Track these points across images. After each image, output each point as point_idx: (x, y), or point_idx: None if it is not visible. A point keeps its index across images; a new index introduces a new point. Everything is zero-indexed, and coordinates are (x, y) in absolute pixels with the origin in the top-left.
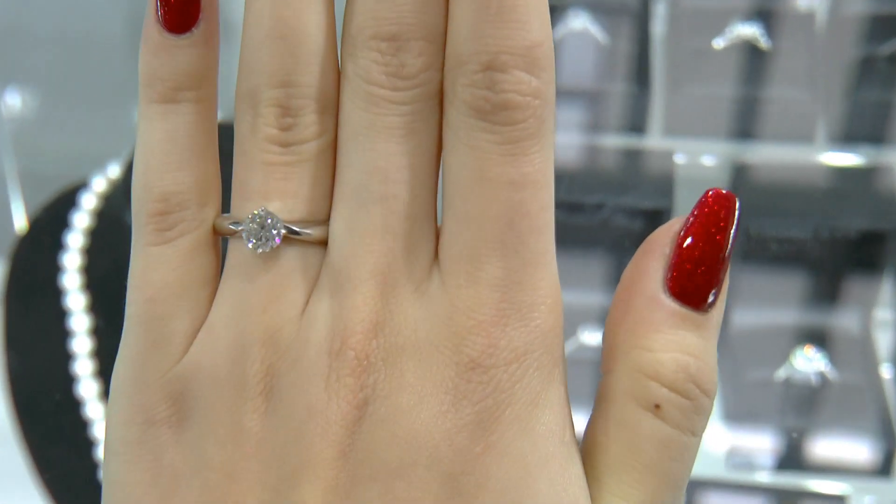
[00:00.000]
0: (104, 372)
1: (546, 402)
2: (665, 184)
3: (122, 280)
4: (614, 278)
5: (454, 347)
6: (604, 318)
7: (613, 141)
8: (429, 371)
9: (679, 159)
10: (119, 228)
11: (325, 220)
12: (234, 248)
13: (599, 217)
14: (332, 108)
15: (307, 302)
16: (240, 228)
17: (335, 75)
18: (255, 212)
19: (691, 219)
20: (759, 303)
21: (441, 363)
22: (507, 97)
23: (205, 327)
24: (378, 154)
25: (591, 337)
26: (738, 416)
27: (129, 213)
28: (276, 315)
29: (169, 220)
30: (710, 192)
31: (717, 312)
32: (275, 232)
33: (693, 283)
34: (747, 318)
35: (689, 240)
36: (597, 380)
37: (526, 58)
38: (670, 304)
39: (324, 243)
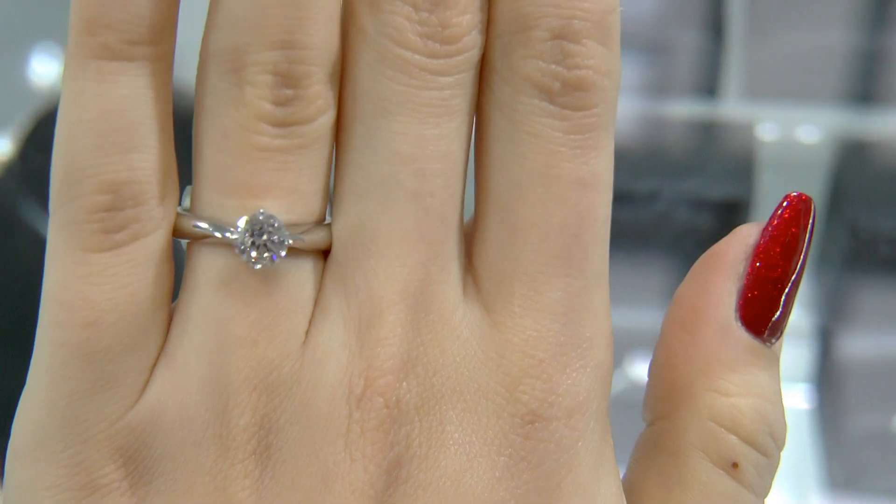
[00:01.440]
0: None
1: (605, 463)
2: (743, 165)
3: (12, 288)
4: (671, 291)
5: (507, 393)
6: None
7: (676, 108)
8: (476, 423)
9: (764, 132)
10: (11, 223)
11: (322, 221)
12: (203, 256)
13: (655, 209)
14: (337, 76)
15: (307, 330)
16: (233, 238)
17: (338, 31)
18: (252, 215)
19: (771, 229)
20: (870, 325)
21: (491, 413)
22: (581, 75)
23: (166, 362)
24: (411, 138)
25: (642, 370)
26: (842, 481)
27: (30, 201)
28: (270, 348)
29: (118, 219)
30: (794, 196)
31: (780, 343)
32: (277, 240)
33: (770, 311)
34: (855, 346)
35: (768, 256)
36: (636, 424)
37: (601, 25)
38: (744, 335)
39: (324, 251)
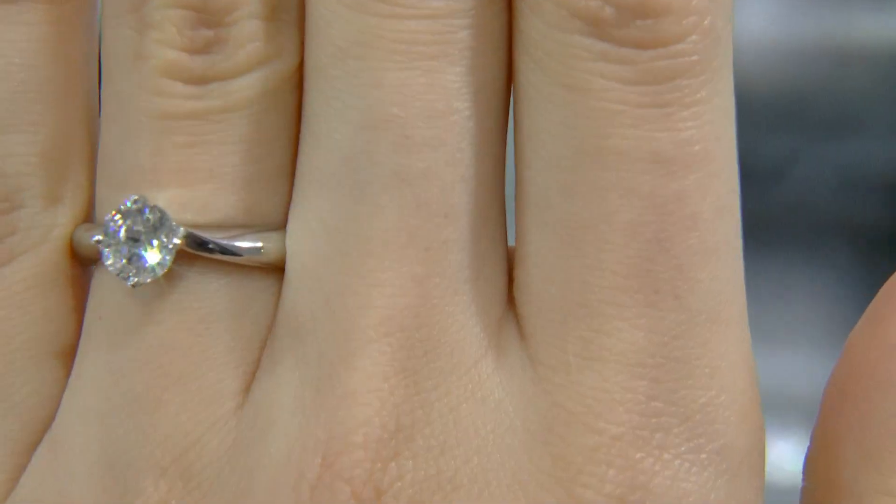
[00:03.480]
0: None
1: None
2: None
3: None
4: (834, 330)
5: (562, 489)
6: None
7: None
8: None
9: None
10: None
11: (278, 225)
12: (102, 282)
13: (797, 191)
14: (290, 10)
15: (247, 387)
16: (95, 240)
17: None
18: (123, 206)
19: None
20: None
21: None
22: None
23: (49, 439)
24: (387, 92)
25: (791, 455)
26: None
27: None
28: (186, 413)
29: None
30: None
31: None
32: (163, 245)
33: None
34: None
35: None
36: None
37: None
38: None
39: (278, 269)
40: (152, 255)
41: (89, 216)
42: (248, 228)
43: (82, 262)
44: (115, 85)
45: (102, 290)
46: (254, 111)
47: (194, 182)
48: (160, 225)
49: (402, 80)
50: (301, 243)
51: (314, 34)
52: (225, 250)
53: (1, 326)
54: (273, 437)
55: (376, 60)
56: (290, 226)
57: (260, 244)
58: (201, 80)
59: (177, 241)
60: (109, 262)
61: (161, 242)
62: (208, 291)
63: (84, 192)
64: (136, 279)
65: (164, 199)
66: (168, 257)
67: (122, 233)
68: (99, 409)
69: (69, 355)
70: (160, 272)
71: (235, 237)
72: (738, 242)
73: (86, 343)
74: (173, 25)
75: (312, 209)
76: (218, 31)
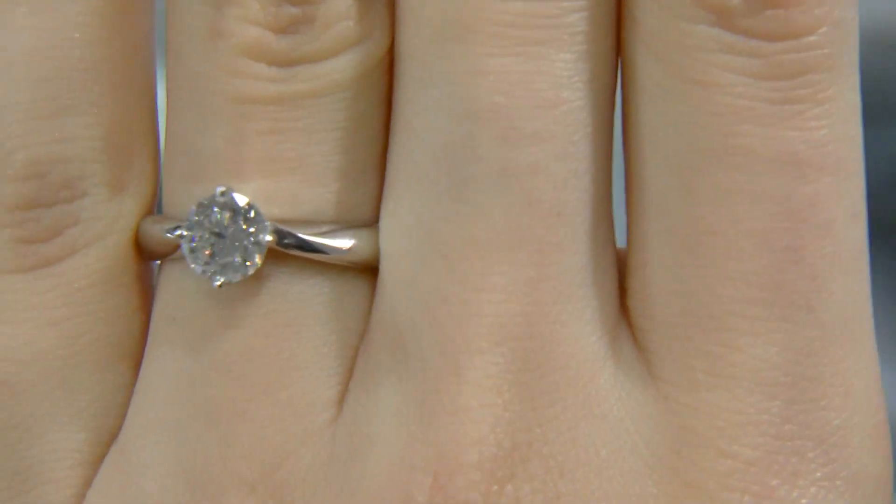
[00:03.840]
0: None
1: None
2: None
3: None
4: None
5: None
6: None
7: None
8: None
9: None
10: None
11: (367, 221)
12: (174, 280)
13: None
14: None
15: (341, 397)
16: (175, 234)
17: None
18: (206, 199)
19: None
20: None
21: None
22: None
23: (118, 448)
24: (491, 80)
25: None
26: None
27: None
28: (274, 427)
29: (44, 221)
30: None
31: None
32: (252, 242)
33: None
34: None
35: None
36: None
37: None
38: None
39: (370, 269)
40: (240, 254)
41: (153, 207)
42: (336, 224)
43: (148, 257)
44: (188, 66)
45: (176, 288)
46: (343, 97)
47: (280, 173)
48: (250, 220)
49: (507, 66)
50: (396, 243)
51: (407, 14)
52: (315, 248)
53: (62, 327)
54: (374, 453)
55: (477, 44)
56: (382, 223)
57: (352, 242)
58: (286, 61)
59: (268, 238)
60: (192, 260)
61: (251, 239)
62: (296, 293)
63: (149, 182)
64: (221, 279)
65: (248, 191)
66: (258, 256)
67: (207, 228)
68: (172, 418)
69: (135, 359)
70: (250, 272)
71: (325, 234)
72: (866, 251)
73: (156, 346)
74: (255, 0)
75: (408, 206)
76: (304, 9)
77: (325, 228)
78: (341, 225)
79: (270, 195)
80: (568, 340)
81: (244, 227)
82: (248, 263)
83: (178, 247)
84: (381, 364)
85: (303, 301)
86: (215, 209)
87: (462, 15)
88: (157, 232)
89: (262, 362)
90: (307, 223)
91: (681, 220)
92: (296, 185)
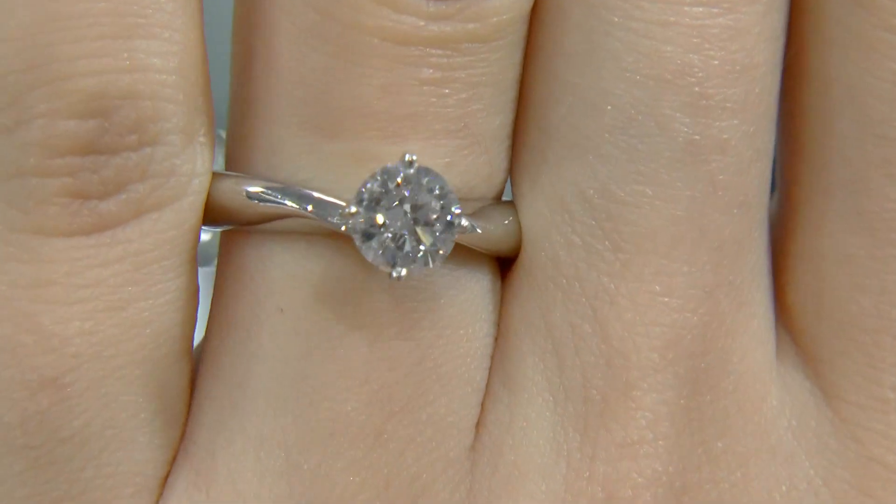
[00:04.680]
0: None
1: None
2: None
3: None
4: None
5: None
6: None
7: None
8: None
9: None
10: None
11: (494, 196)
12: (272, 257)
13: None
14: None
15: (481, 418)
16: (348, 213)
17: None
18: (387, 168)
19: None
20: None
21: None
22: None
23: (194, 466)
24: (674, 34)
25: None
26: None
27: None
28: (413, 453)
29: (104, 171)
30: None
31: None
32: (443, 225)
33: None
34: None
35: None
36: None
37: None
38: None
39: (506, 256)
40: (430, 238)
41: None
42: (481, 201)
43: (214, 222)
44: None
45: (279, 273)
46: (503, 44)
47: (440, 134)
48: (441, 196)
49: (701, 17)
50: (547, 226)
51: None
52: (472, 228)
53: (127, 312)
54: (527, 490)
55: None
56: (525, 200)
57: (499, 224)
58: (442, 15)
59: (464, 222)
60: (363, 243)
61: (443, 221)
62: (435, 288)
63: (212, 130)
64: (403, 270)
65: (397, 155)
66: (450, 240)
67: (386, 206)
68: (281, 437)
69: (191, 350)
70: (437, 262)
71: (476, 213)
72: None
73: (252, 340)
74: None
75: (566, 182)
76: None
77: (472, 207)
78: (486, 201)
79: (426, 163)
80: (735, 358)
81: (435, 204)
82: (440, 252)
83: (275, 214)
84: (528, 377)
85: (443, 299)
86: (397, 180)
87: None
88: (233, 193)
89: (402, 373)
90: (465, 200)
91: (881, 204)
92: (452, 150)
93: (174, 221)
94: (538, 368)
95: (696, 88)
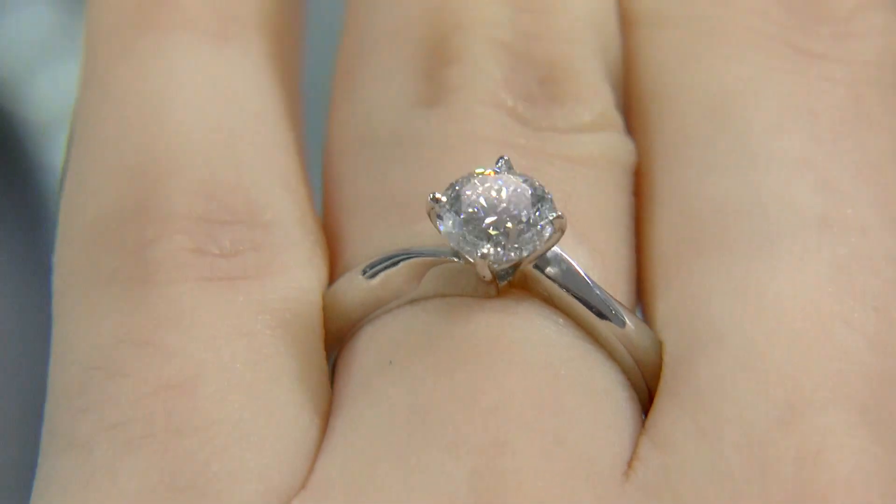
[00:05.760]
0: None
1: None
2: None
3: None
4: None
5: None
6: None
7: None
8: None
9: None
10: None
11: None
12: (374, 337)
13: None
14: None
15: (635, 441)
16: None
17: None
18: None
19: None
20: None
21: None
22: None
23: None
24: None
25: None
26: None
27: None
28: (558, 488)
29: (221, 238)
30: None
31: None
32: (536, 234)
33: None
34: None
35: None
36: None
37: None
38: None
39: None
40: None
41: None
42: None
43: (336, 332)
44: (385, 110)
45: (383, 339)
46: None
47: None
48: (539, 206)
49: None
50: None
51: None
52: (601, 309)
53: (276, 367)
54: None
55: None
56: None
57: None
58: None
59: (548, 229)
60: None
61: (531, 232)
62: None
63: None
64: (505, 255)
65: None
66: (538, 239)
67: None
68: (396, 482)
69: (320, 410)
70: (528, 252)
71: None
72: None
73: (365, 393)
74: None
75: (698, 286)
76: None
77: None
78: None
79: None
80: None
81: (525, 210)
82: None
83: (377, 306)
84: (677, 428)
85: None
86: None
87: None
88: (361, 282)
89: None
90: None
91: None
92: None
93: (295, 264)
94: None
95: (815, 175)
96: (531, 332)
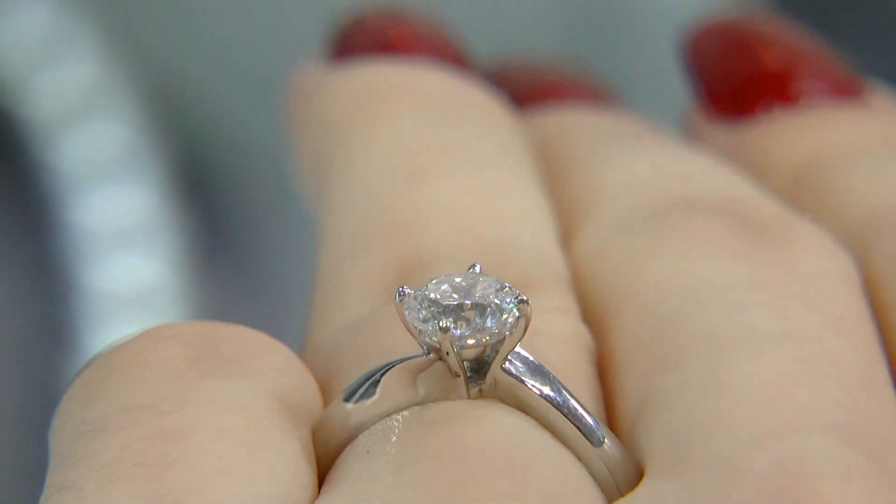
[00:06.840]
0: None
1: None
2: None
3: None
4: None
5: None
6: None
7: None
8: None
9: None
10: None
11: None
12: (354, 450)
13: None
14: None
15: None
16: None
17: None
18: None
19: None
20: None
21: None
22: None
23: None
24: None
25: None
26: None
27: None
28: None
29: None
30: None
31: None
32: (500, 321)
33: None
34: None
35: None
36: None
37: None
38: None
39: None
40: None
41: None
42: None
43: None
44: None
45: (359, 446)
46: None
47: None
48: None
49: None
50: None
51: None
52: (579, 418)
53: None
54: None
55: None
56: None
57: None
58: None
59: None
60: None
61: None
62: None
63: None
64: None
65: None
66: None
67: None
68: None
69: None
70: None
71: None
72: None
73: (343, 481)
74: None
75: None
76: None
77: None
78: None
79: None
80: None
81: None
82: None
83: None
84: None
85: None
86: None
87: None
88: (343, 399)
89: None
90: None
91: None
92: None
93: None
94: None
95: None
96: (501, 434)
